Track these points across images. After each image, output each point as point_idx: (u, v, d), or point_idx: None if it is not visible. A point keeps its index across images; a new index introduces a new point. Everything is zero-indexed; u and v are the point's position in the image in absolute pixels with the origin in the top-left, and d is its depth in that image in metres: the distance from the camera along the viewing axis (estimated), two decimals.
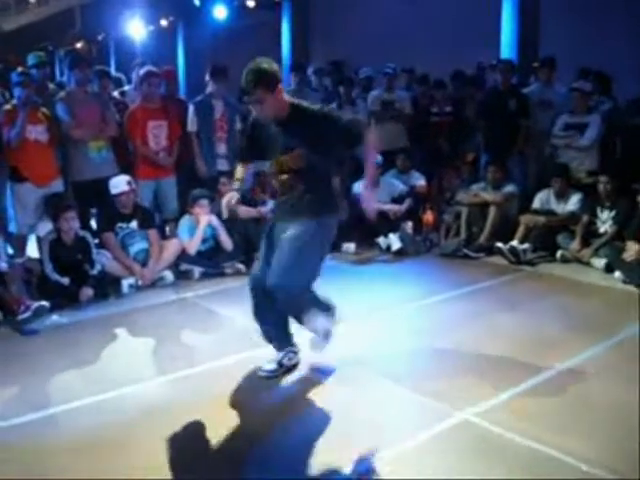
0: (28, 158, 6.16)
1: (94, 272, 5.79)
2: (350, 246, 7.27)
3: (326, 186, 4.05)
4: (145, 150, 6.79)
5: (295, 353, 4.27)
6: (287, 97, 3.93)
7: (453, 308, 5.45)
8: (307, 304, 3.95)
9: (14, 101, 6.27)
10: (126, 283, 5.97)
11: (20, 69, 6.72)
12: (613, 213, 6.62)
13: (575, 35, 9.86)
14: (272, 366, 4.19)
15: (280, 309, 4.03)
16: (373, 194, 4.14)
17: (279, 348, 4.25)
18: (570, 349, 4.48)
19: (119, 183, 6.22)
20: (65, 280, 5.65)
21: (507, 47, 9.00)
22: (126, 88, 8.18)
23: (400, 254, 7.11)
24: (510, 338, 4.74)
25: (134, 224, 6.28)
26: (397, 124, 8.43)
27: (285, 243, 3.87)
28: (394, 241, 7.18)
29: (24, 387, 4.13)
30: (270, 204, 7.00)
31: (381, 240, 7.31)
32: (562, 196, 7.01)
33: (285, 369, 4.20)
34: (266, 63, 3.79)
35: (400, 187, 7.71)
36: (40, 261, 5.80)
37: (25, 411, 3.75)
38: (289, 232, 3.89)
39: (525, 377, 4.05)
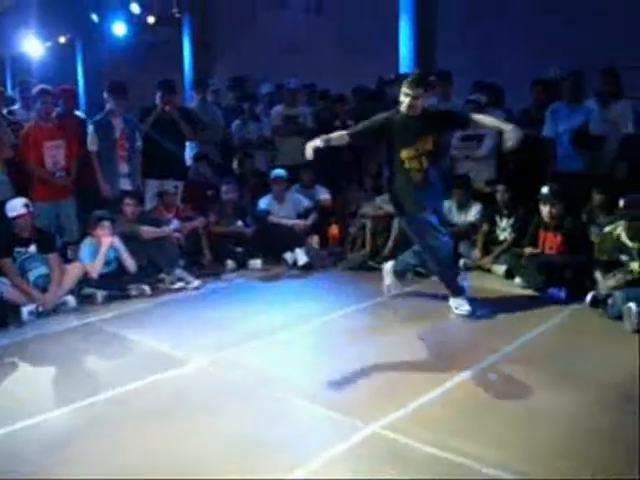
0: None
1: None
2: (257, 262, 7.27)
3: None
4: (41, 171, 6.61)
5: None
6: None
7: (357, 322, 5.51)
8: None
9: None
10: (26, 310, 5.75)
11: None
12: (511, 221, 6.86)
13: (470, 50, 10.16)
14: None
15: None
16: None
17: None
18: (473, 356, 4.59)
19: (15, 206, 6.01)
20: None
21: (405, 62, 9.19)
22: (15, 107, 7.90)
23: (307, 268, 7.15)
24: (414, 349, 4.82)
25: (33, 248, 6.08)
26: (300, 139, 8.46)
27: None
28: (300, 256, 7.21)
29: None
30: (175, 223, 6.95)
31: (288, 255, 7.33)
32: (463, 206, 7.21)
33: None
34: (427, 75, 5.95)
35: (305, 202, 7.77)
36: None
37: None
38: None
39: (430, 386, 4.12)
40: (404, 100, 5.31)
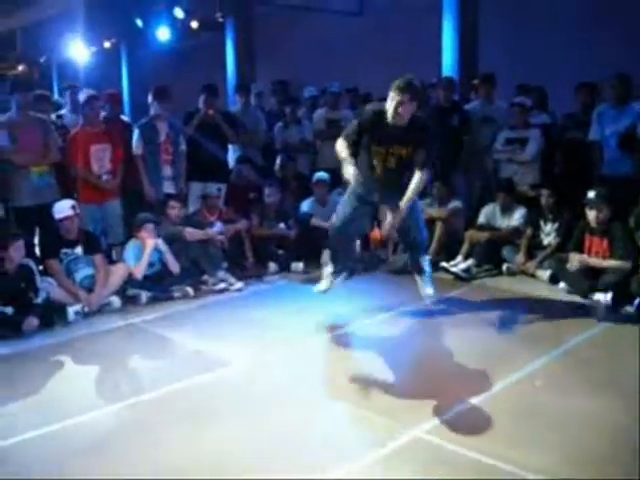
0: None
1: (38, 300, 5.66)
2: (299, 265, 7.27)
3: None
4: (88, 174, 6.71)
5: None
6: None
7: (400, 325, 5.49)
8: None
9: None
10: (72, 310, 5.83)
11: None
12: (556, 225, 6.77)
13: (512, 52, 10.10)
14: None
15: None
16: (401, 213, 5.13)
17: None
18: (518, 361, 4.55)
19: (63, 208, 6.12)
20: (8, 310, 5.50)
21: (448, 65, 9.16)
22: (63, 112, 8.06)
23: None
24: (458, 353, 4.79)
25: (79, 250, 6.18)
26: None
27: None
28: None
29: None
30: (218, 226, 6.99)
31: None
32: (506, 210, 7.13)
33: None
34: (419, 83, 5.22)
35: None
36: None
37: None
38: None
39: (474, 392, 4.09)
40: (390, 105, 4.91)
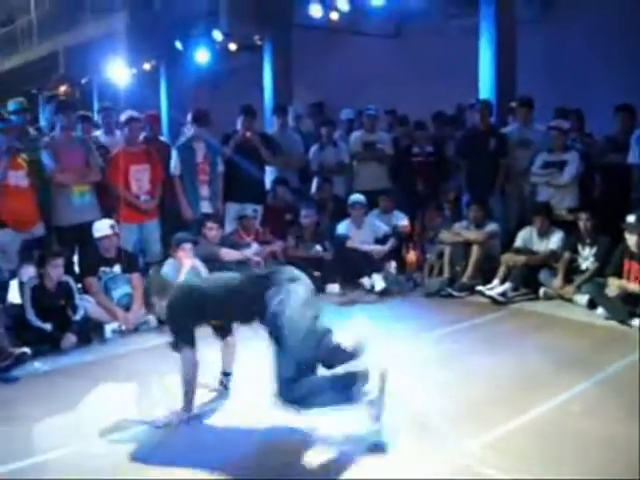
0: (8, 203, 6.15)
1: (77, 318, 5.75)
2: (334, 287, 7.28)
3: None
4: (127, 195, 6.81)
5: None
6: None
7: (438, 348, 5.45)
8: None
9: None
10: (109, 328, 5.92)
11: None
12: (594, 250, 6.68)
13: (550, 75, 10.06)
14: None
15: None
16: None
17: None
18: (555, 387, 4.49)
19: (102, 227, 6.22)
20: (47, 326, 5.60)
21: (485, 88, 9.13)
22: (97, 133, 8.15)
23: (384, 294, 7.12)
24: (496, 377, 4.74)
25: (117, 268, 6.27)
26: (379, 165, 8.50)
27: None
28: (378, 281, 7.19)
29: (5, 436, 4.06)
30: (254, 247, 7.04)
31: (365, 280, 7.31)
32: (544, 234, 7.07)
33: None
34: None
35: (383, 227, 7.76)
36: (21, 307, 5.75)
37: (6, 460, 3.68)
38: None
39: (511, 415, 4.05)
40: None
